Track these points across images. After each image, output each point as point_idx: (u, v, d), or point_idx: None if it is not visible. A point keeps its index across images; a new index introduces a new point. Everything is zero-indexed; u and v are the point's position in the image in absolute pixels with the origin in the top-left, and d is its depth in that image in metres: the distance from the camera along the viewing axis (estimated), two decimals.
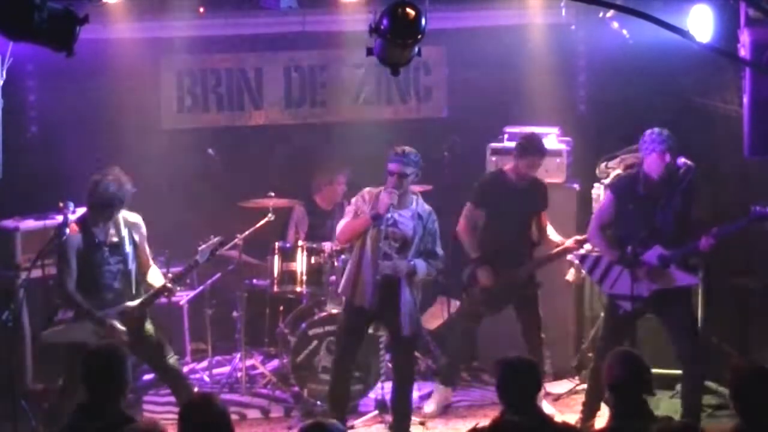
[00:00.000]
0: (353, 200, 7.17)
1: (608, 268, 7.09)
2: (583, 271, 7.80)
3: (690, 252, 6.93)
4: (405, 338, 7.07)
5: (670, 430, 4.57)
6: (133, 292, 6.84)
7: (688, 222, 6.97)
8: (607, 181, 7.94)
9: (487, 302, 7.66)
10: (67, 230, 6.56)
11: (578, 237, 7.64)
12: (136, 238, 6.87)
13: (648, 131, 6.93)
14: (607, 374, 5.11)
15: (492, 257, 7.59)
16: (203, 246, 7.06)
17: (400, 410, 7.23)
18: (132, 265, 6.83)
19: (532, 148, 7.63)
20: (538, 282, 7.78)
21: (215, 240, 7.11)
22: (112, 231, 6.77)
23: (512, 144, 8.47)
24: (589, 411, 7.15)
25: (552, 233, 7.80)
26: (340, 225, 7.12)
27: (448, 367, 7.99)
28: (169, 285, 6.92)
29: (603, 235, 7.14)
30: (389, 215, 6.91)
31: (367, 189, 7.13)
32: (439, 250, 7.16)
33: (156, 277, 7.00)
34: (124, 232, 6.80)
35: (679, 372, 7.20)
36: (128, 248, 6.81)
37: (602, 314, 7.69)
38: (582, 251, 7.38)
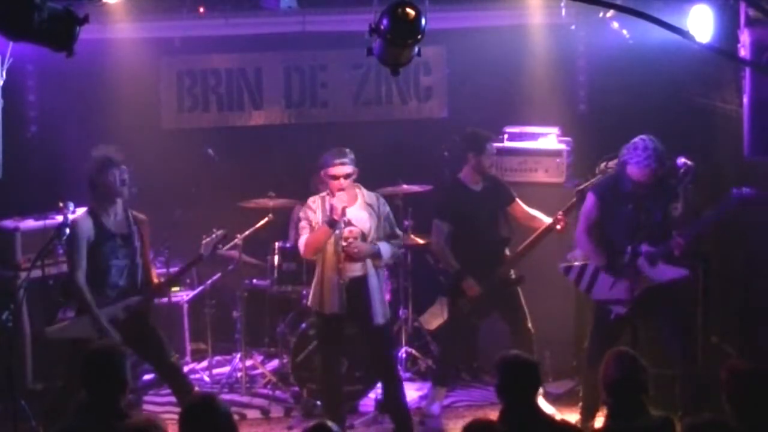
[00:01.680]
0: (301, 215, 7.13)
1: (596, 274, 7.05)
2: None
3: (668, 251, 6.93)
4: (378, 327, 6.98)
5: (700, 425, 4.55)
6: (138, 287, 6.85)
7: (673, 219, 6.97)
8: None
9: (476, 311, 7.67)
10: (67, 230, 6.57)
11: (559, 215, 7.60)
12: (144, 235, 6.89)
13: (634, 143, 6.88)
14: (604, 374, 5.11)
15: (470, 265, 7.60)
16: (206, 240, 7.06)
17: (398, 411, 7.15)
18: (139, 260, 6.84)
19: (482, 138, 7.67)
20: (518, 277, 7.77)
21: (219, 233, 7.10)
22: (122, 223, 6.79)
23: (512, 144, 8.54)
24: (588, 413, 7.13)
25: (539, 216, 7.77)
26: (302, 241, 7.03)
27: (441, 369, 8.01)
28: (165, 284, 6.95)
29: (591, 238, 7.10)
30: (344, 218, 6.88)
31: (311, 198, 7.12)
32: (398, 231, 7.21)
33: (153, 278, 7.01)
34: (134, 227, 6.84)
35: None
36: (137, 243, 6.83)
37: None
38: (565, 264, 7.33)
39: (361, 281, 6.96)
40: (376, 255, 6.99)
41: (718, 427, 4.57)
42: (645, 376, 5.07)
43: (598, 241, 7.10)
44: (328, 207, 6.91)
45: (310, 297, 7.15)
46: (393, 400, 7.15)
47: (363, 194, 7.09)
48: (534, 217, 7.80)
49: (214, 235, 7.08)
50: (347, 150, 7.00)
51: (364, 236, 6.99)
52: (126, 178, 6.76)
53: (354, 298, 6.93)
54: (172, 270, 7.80)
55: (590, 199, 7.15)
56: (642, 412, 4.97)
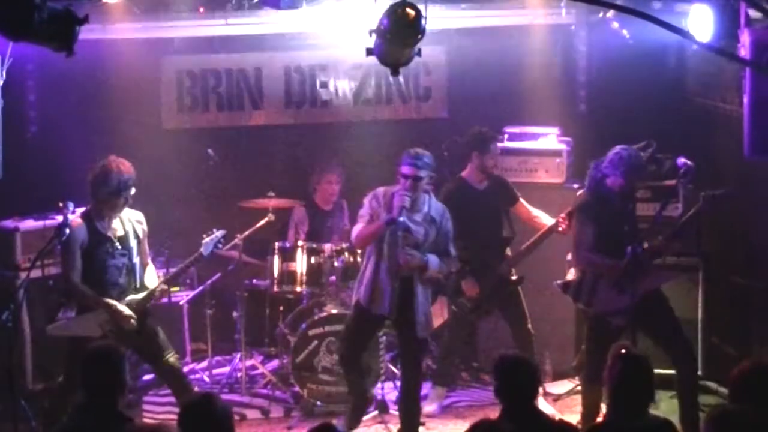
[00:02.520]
0: (366, 201, 7.05)
1: (594, 287, 6.95)
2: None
3: (659, 256, 6.92)
4: (419, 339, 7.01)
5: (724, 414, 4.54)
6: (138, 286, 6.85)
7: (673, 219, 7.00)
8: None
9: (476, 311, 7.68)
10: (67, 230, 6.56)
11: (561, 217, 7.59)
12: (140, 233, 6.89)
13: (616, 156, 6.84)
14: (607, 373, 5.10)
15: (471, 263, 7.59)
16: (207, 239, 7.05)
17: (408, 410, 7.13)
18: (136, 259, 6.84)
19: (488, 138, 7.69)
20: (519, 277, 7.78)
21: (218, 233, 7.08)
22: (117, 225, 6.78)
23: (512, 144, 8.54)
24: (588, 418, 7.10)
25: (543, 216, 7.79)
26: (356, 229, 7.02)
27: (441, 369, 8.01)
28: (164, 286, 6.93)
29: (597, 254, 6.90)
30: (402, 219, 6.80)
31: (382, 189, 7.03)
32: (452, 251, 7.10)
33: (151, 276, 7.00)
34: (129, 226, 6.83)
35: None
36: (133, 242, 6.82)
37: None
38: (562, 281, 7.30)
39: (409, 286, 6.91)
40: (424, 266, 6.92)
41: (743, 416, 4.55)
42: (649, 376, 5.03)
43: (604, 254, 6.97)
44: (392, 203, 6.86)
45: (362, 293, 7.02)
46: (409, 402, 7.14)
47: (430, 205, 7.00)
48: (538, 218, 7.81)
49: (214, 235, 7.07)
50: (426, 154, 6.91)
51: (417, 245, 6.92)
52: (131, 201, 6.77)
53: (400, 304, 6.90)
54: (172, 270, 7.79)
55: (581, 219, 6.99)
56: (642, 413, 4.96)
